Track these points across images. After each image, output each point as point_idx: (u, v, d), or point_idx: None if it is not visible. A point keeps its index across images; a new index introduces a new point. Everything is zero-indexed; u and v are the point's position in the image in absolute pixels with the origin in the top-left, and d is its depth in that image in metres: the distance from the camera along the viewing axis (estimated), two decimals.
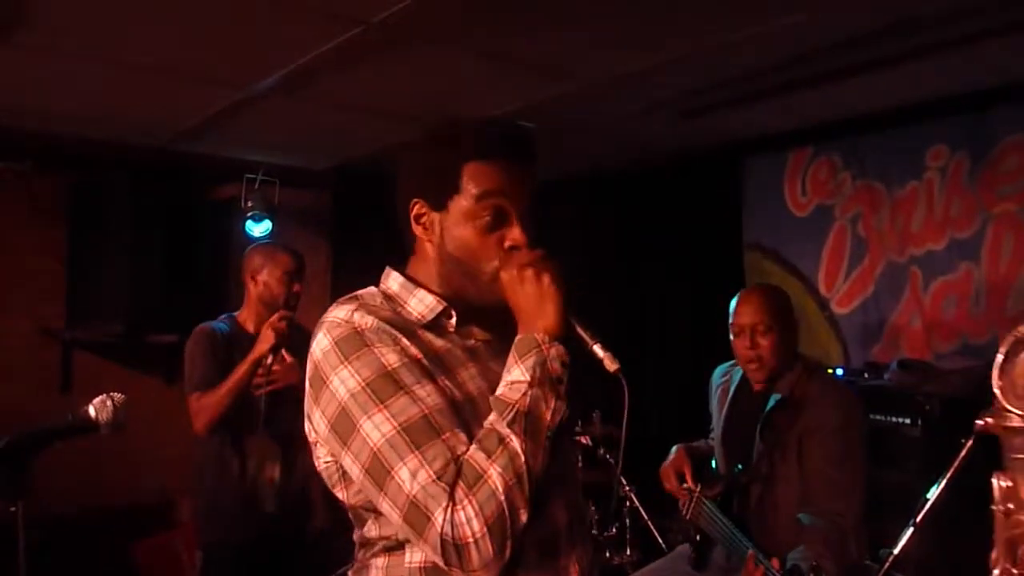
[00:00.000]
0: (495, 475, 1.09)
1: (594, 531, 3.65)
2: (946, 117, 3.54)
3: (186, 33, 2.65)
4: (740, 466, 2.35)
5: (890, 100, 3.51)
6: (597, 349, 1.21)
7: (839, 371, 3.64)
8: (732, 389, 2.52)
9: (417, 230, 1.29)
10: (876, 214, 3.82)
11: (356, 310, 1.21)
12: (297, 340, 2.67)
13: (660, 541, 3.44)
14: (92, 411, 1.60)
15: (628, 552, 3.63)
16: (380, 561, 1.23)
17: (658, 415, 4.02)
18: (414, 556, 1.20)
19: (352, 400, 1.15)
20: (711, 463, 2.57)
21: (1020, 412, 0.87)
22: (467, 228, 1.25)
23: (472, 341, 1.30)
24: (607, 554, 3.62)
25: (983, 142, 3.45)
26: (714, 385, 2.64)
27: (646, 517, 3.54)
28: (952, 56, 2.92)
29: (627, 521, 3.65)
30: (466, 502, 1.08)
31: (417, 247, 1.31)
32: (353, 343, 1.17)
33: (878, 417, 3.10)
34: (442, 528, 1.07)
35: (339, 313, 1.22)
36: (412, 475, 1.09)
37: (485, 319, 1.31)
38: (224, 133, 3.86)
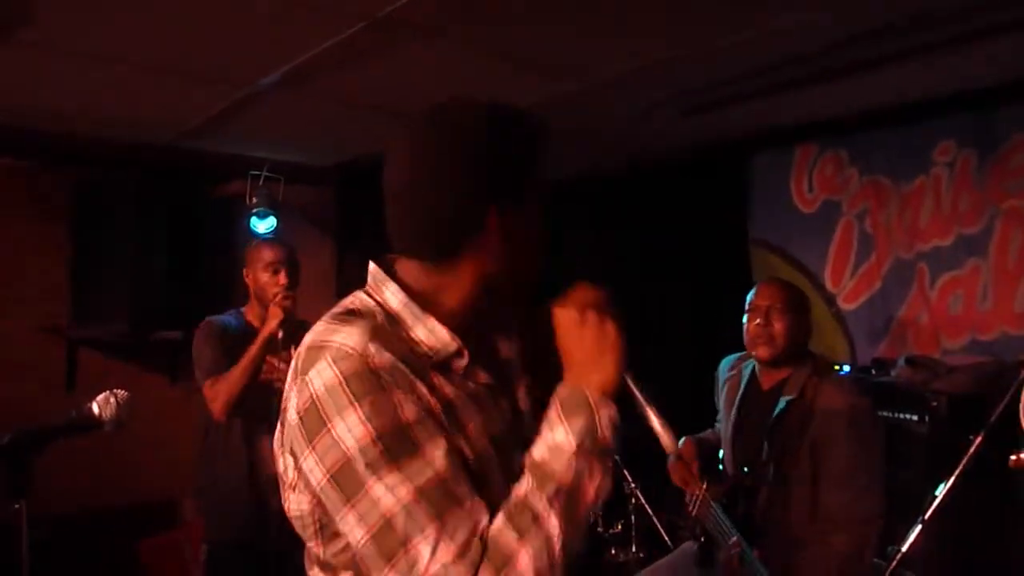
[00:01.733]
0: (526, 559, 0.95)
1: (599, 528, 3.64)
2: (954, 113, 3.51)
3: (189, 30, 2.64)
4: (746, 468, 2.33)
5: (897, 96, 3.49)
6: (655, 422, 1.07)
7: (846, 368, 3.63)
8: (742, 387, 2.50)
9: (490, 240, 1.06)
10: (883, 210, 3.80)
11: (370, 340, 1.01)
12: (301, 333, 2.67)
13: (666, 538, 3.43)
14: (96, 408, 1.60)
15: (633, 549, 3.61)
16: None
17: (663, 413, 4.00)
18: None
19: (360, 454, 0.96)
20: (719, 457, 2.56)
21: None
22: (535, 224, 1.09)
23: (474, 385, 1.11)
24: (612, 551, 3.61)
25: (991, 138, 3.42)
26: (721, 378, 2.62)
27: (652, 514, 3.53)
28: (960, 52, 2.90)
29: (632, 518, 3.63)
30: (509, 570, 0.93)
31: (459, 262, 1.09)
32: (366, 383, 0.97)
33: (885, 414, 3.09)
34: None
35: (347, 339, 1.01)
36: (432, 550, 0.94)
37: (488, 358, 1.15)
38: (228, 130, 3.85)
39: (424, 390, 1.02)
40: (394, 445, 0.96)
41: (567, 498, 0.99)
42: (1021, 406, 0.94)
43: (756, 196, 4.36)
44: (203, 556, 2.76)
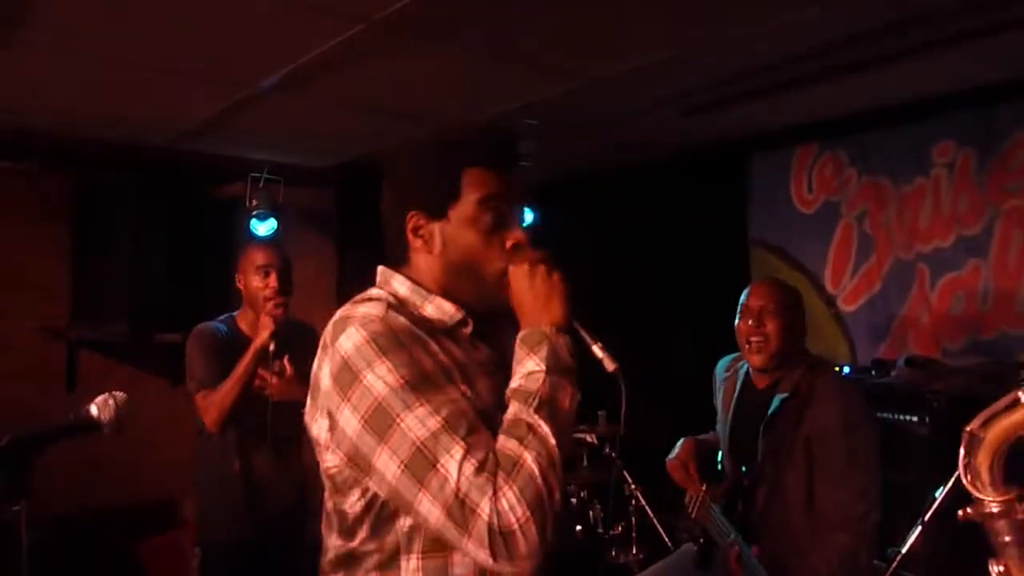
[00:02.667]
0: (530, 460, 1.12)
1: (599, 529, 3.64)
2: (953, 113, 3.51)
3: (189, 31, 2.64)
4: (744, 468, 2.33)
5: (897, 96, 3.49)
6: (596, 349, 1.26)
7: (846, 369, 3.62)
8: (738, 387, 2.50)
9: (415, 243, 1.30)
10: (883, 211, 3.80)
11: (388, 310, 1.22)
12: (298, 335, 2.67)
13: (666, 539, 3.43)
14: (94, 410, 1.59)
15: (634, 550, 3.61)
16: None
17: (663, 413, 4.00)
18: (409, 568, 1.20)
19: (392, 395, 1.14)
20: (717, 458, 2.56)
21: (992, 499, 0.94)
22: (470, 232, 1.27)
23: (479, 354, 1.30)
24: (613, 552, 3.61)
25: (991, 138, 3.42)
26: (718, 379, 2.62)
27: (652, 515, 3.53)
28: (960, 51, 2.90)
29: (633, 520, 3.64)
30: (507, 489, 1.09)
31: (412, 257, 1.33)
32: (390, 340, 1.17)
33: (885, 415, 3.08)
34: (490, 518, 1.08)
35: (371, 310, 1.21)
36: (459, 467, 1.10)
37: (489, 334, 1.33)
38: (228, 132, 3.86)
39: (436, 348, 1.22)
40: (420, 386, 1.15)
41: (549, 408, 1.17)
42: (960, 464, 0.96)
43: (755, 196, 4.36)
44: (196, 560, 2.75)
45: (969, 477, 0.95)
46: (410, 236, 1.30)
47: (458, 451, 1.10)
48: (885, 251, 3.80)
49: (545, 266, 1.26)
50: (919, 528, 1.85)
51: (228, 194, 4.37)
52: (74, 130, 3.82)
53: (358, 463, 1.17)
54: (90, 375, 4.06)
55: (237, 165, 4.28)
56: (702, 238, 4.39)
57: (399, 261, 1.34)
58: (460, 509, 1.08)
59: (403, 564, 1.21)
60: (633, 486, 3.58)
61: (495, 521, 1.07)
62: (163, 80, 3.10)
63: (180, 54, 2.85)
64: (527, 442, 1.13)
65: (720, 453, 2.55)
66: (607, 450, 3.64)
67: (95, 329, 3.97)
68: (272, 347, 2.58)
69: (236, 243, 4.17)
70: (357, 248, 4.68)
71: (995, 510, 0.93)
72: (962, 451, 0.96)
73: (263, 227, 4.20)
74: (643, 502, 3.55)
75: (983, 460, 0.94)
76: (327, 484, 1.26)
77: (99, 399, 1.60)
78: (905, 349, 3.63)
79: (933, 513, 1.84)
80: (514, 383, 1.21)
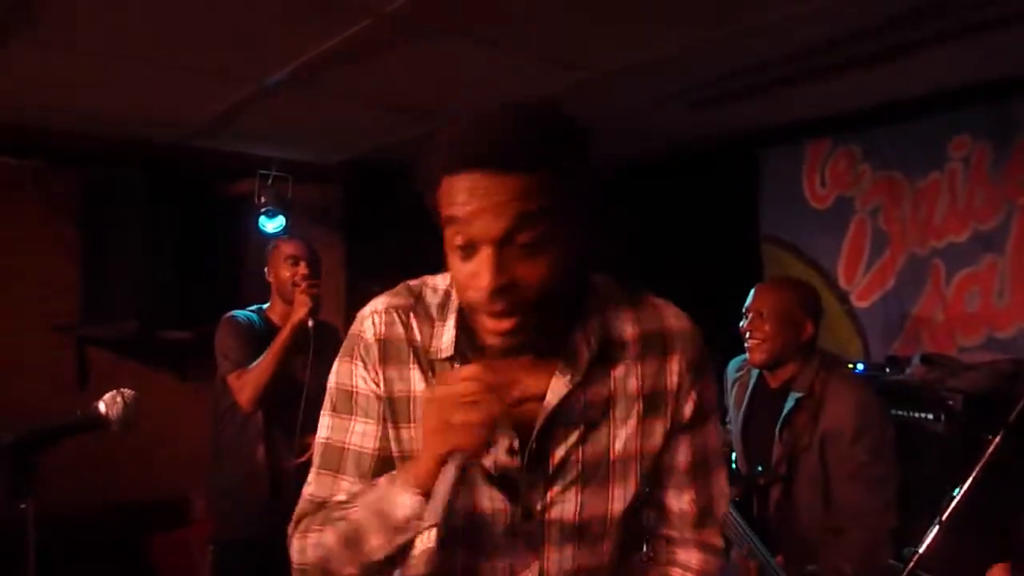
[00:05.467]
0: (325, 537, 1.11)
1: None
2: (969, 107, 3.46)
3: (196, 28, 2.63)
4: (760, 467, 2.30)
5: (911, 90, 3.44)
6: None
7: (859, 366, 3.59)
8: (750, 386, 2.47)
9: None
10: (897, 206, 3.76)
11: (383, 312, 1.14)
12: (323, 332, 2.66)
13: None
14: (102, 407, 1.58)
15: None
16: None
17: None
18: None
19: (330, 391, 1.21)
20: (731, 458, 2.54)
21: None
22: (451, 255, 1.02)
23: None
24: None
25: (1007, 132, 3.37)
26: (729, 379, 2.59)
27: None
28: (975, 44, 2.86)
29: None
30: (310, 535, 1.14)
31: None
32: (349, 347, 1.18)
33: (900, 413, 3.05)
34: (291, 541, 1.18)
35: (372, 305, 1.18)
36: (307, 484, 1.21)
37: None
38: (237, 129, 3.85)
39: (387, 376, 1.14)
40: (339, 400, 1.18)
41: (354, 539, 1.07)
42: None
43: (767, 192, 4.32)
44: (210, 556, 2.75)
45: None
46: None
47: (313, 473, 1.20)
48: (899, 247, 3.75)
49: (452, 394, 0.96)
50: (936, 528, 1.82)
51: (237, 191, 4.36)
52: (82, 127, 3.83)
53: None
54: (100, 372, 4.06)
55: (245, 162, 4.28)
56: (713, 234, 4.35)
57: None
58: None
59: None
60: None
61: (292, 548, 1.17)
62: (171, 77, 3.10)
63: (187, 50, 2.84)
64: (326, 529, 1.12)
65: (733, 457, 2.52)
66: None
67: (105, 327, 3.98)
68: (311, 323, 2.57)
69: (245, 241, 4.17)
70: (365, 245, 4.67)
71: None
72: None
73: (272, 224, 4.19)
74: None
75: None
76: None
77: (107, 396, 1.59)
78: (920, 346, 3.59)
79: (951, 513, 1.80)
80: (384, 479, 1.08)
